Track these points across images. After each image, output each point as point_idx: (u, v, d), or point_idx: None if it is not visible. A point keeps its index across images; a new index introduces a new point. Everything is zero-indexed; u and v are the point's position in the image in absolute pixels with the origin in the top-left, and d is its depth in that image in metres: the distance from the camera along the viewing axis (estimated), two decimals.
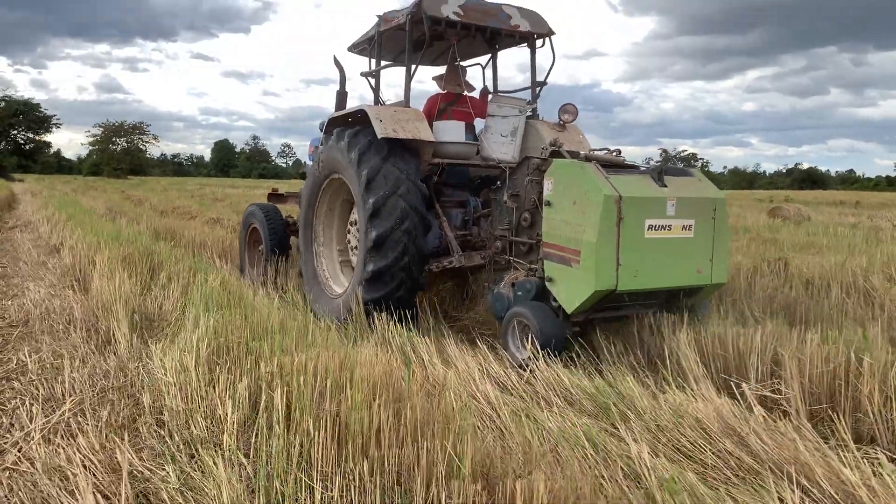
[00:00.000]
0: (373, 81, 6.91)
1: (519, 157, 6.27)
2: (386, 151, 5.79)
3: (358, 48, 7.34)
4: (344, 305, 5.95)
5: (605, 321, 5.13)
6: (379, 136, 5.72)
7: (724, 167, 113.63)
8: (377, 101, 6.82)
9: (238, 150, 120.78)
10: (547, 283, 4.89)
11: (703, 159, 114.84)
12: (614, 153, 5.37)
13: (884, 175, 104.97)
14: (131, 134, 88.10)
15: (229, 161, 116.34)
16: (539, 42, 6.73)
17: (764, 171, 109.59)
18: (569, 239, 4.70)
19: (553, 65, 6.77)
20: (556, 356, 4.55)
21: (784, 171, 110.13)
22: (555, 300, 4.85)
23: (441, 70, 7.11)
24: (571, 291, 4.69)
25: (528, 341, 4.74)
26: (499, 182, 5.87)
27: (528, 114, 6.78)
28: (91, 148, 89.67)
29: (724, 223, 5.07)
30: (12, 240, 11.43)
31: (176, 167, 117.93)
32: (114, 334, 4.85)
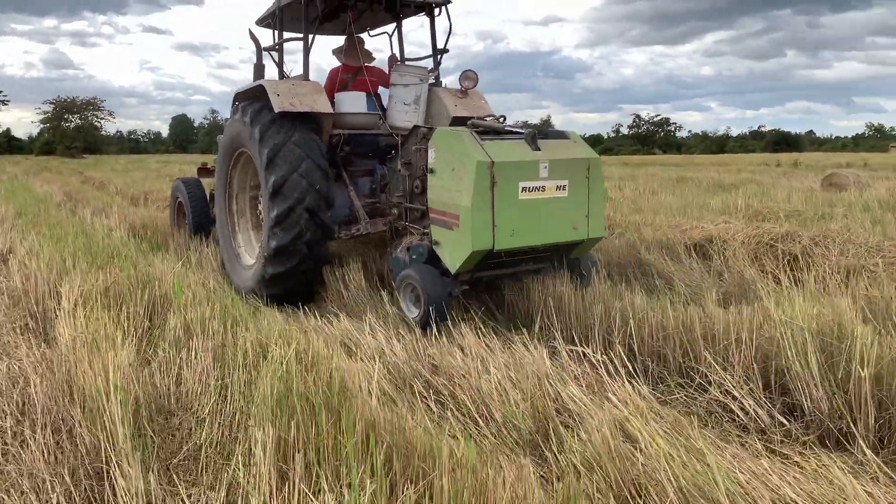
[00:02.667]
0: (276, 56, 7.08)
1: (423, 124, 6.55)
2: (288, 128, 5.98)
3: (263, 22, 7.49)
4: (254, 278, 6.24)
5: (497, 280, 5.52)
6: (276, 111, 5.92)
7: (689, 131, 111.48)
8: (281, 75, 7.01)
9: (196, 124, 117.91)
10: (434, 247, 5.24)
11: (675, 123, 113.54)
12: (499, 120, 5.69)
13: (844, 136, 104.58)
14: (84, 110, 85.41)
15: (188, 136, 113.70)
16: (437, 11, 6.95)
17: (729, 135, 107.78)
18: (449, 204, 5.04)
19: (450, 33, 7.02)
20: (440, 315, 4.94)
21: (747, 133, 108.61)
22: (442, 262, 5.22)
23: (341, 42, 7.31)
24: (454, 253, 5.05)
25: (416, 302, 5.12)
26: (393, 151, 6.16)
27: (431, 81, 7.05)
28: (42, 126, 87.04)
29: (599, 182, 5.44)
30: None
31: (132, 144, 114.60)
32: (108, 460, 2.76)
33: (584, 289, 5.30)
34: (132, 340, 4.10)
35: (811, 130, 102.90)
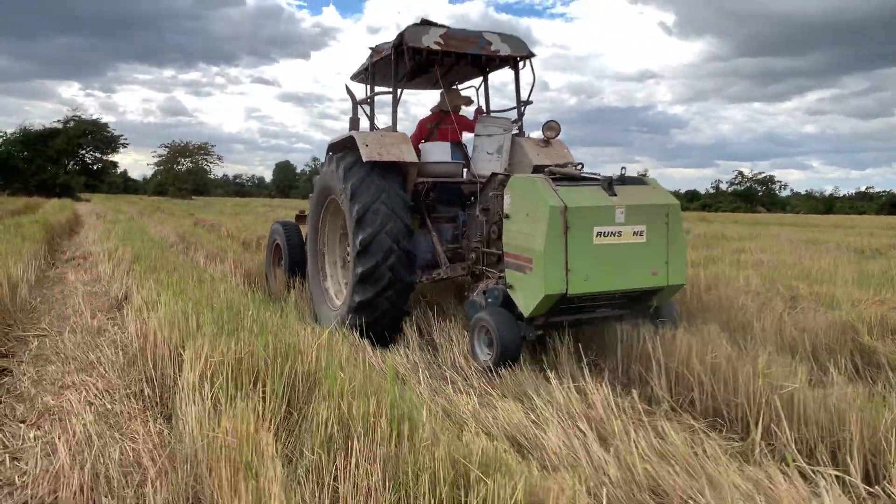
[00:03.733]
0: (368, 109, 7.48)
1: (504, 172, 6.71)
2: (377, 184, 6.22)
3: (358, 77, 7.96)
4: (338, 320, 6.48)
5: (572, 325, 5.49)
6: (364, 160, 6.24)
7: (791, 190, 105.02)
8: (372, 126, 7.38)
9: (298, 171, 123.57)
10: (508, 290, 5.30)
11: (780, 181, 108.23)
12: (577, 167, 5.75)
13: None
14: (196, 154, 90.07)
15: (290, 182, 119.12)
16: (521, 64, 7.17)
17: (836, 195, 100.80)
18: (523, 248, 5.11)
19: (534, 84, 7.19)
20: (512, 358, 4.97)
21: (853, 194, 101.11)
22: (517, 306, 5.27)
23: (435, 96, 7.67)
24: (527, 296, 5.09)
25: (489, 345, 5.18)
26: (473, 198, 6.32)
27: (515, 132, 7.23)
28: (156, 168, 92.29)
29: (679, 228, 5.37)
30: (65, 280, 9.29)
31: (237, 188, 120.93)
32: None
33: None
34: (270, 431, 3.11)
35: None
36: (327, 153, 7.46)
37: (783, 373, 4.05)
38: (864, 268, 9.37)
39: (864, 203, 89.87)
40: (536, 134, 7.28)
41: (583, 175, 5.52)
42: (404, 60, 6.64)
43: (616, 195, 5.20)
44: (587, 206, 5.01)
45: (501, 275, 5.64)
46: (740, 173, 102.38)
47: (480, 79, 7.84)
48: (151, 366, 4.54)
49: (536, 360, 5.16)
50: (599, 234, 5.04)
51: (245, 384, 3.66)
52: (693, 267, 8.16)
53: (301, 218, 9.95)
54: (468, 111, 7.90)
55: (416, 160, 6.46)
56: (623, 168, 5.43)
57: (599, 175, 5.50)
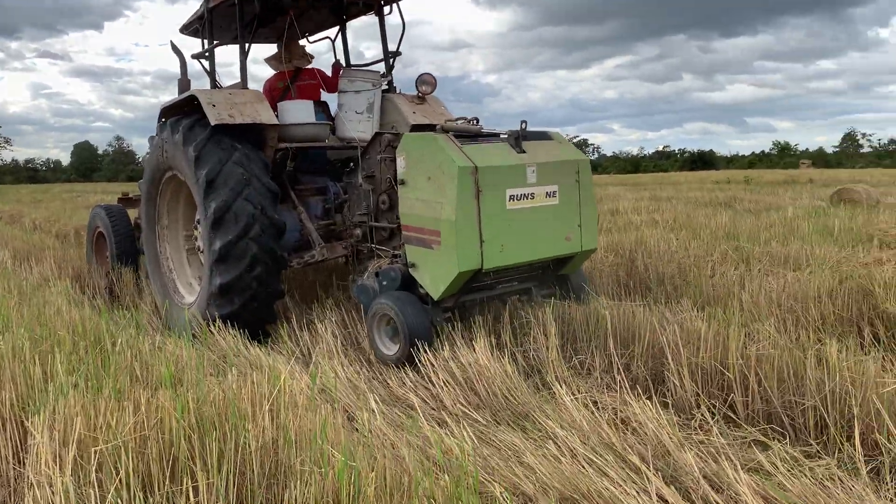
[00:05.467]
0: (206, 64, 6.18)
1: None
2: (227, 145, 5.12)
3: (190, 29, 6.58)
4: (195, 318, 5.27)
5: (481, 302, 4.76)
6: (212, 123, 5.05)
7: (598, 152, 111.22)
8: (213, 84, 6.11)
9: (101, 151, 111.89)
10: (410, 270, 4.43)
11: (593, 144, 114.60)
12: (472, 122, 4.97)
13: (741, 153, 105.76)
14: None
15: (92, 164, 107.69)
16: (387, 8, 6.23)
17: (642, 156, 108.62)
18: (427, 219, 4.25)
19: (404, 32, 6.28)
20: (425, 349, 4.12)
21: (654, 153, 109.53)
22: (421, 287, 4.42)
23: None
24: (436, 276, 4.26)
25: (393, 336, 4.30)
26: (352, 164, 5.35)
27: (384, 87, 6.29)
28: None
29: (589, 187, 4.78)
30: None
31: (31, 173, 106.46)
32: None
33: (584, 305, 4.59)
34: None
35: (711, 150, 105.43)
36: (159, 121, 6.10)
37: (854, 361, 3.32)
38: (761, 221, 9.38)
39: (665, 161, 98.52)
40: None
41: (482, 132, 4.75)
42: (253, 4, 5.46)
43: (525, 152, 4.49)
44: (498, 166, 4.25)
45: (397, 252, 4.75)
46: (524, 122, 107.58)
47: (336, 29, 6.77)
48: None
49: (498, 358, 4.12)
50: (512, 197, 4.31)
51: (159, 482, 2.24)
52: (600, 233, 7.55)
53: (127, 200, 8.40)
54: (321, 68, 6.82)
55: (275, 121, 5.34)
56: (523, 122, 4.73)
57: (500, 132, 4.75)
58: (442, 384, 3.83)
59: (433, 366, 3.96)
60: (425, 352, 4.04)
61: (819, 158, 74.33)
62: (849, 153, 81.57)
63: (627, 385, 3.73)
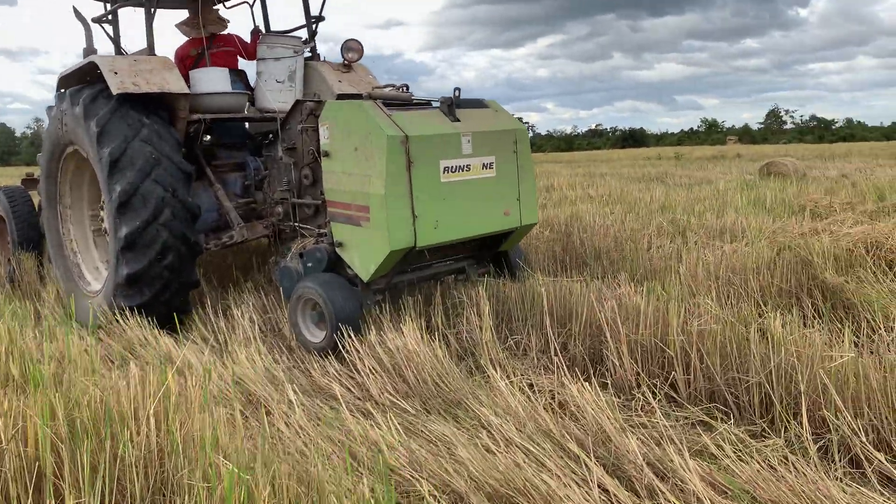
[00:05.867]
0: (109, 29, 5.64)
1: None
2: (134, 119, 4.65)
3: None
4: (100, 307, 4.83)
5: (414, 283, 4.49)
6: (114, 92, 4.58)
7: (533, 130, 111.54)
8: (118, 51, 5.58)
9: (19, 134, 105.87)
10: (337, 249, 4.12)
11: (527, 122, 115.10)
12: (401, 89, 4.66)
13: (670, 131, 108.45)
14: None
15: (10, 148, 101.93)
16: None
17: (575, 134, 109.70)
18: (354, 194, 3.94)
19: None
20: (353, 335, 3.83)
21: (587, 131, 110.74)
22: (349, 268, 4.11)
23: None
24: (365, 255, 3.96)
25: (319, 322, 3.99)
26: (271, 136, 4.97)
27: (307, 54, 5.90)
28: None
29: (528, 158, 4.55)
30: None
31: None
32: None
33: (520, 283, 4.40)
34: None
35: (642, 127, 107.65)
36: (57, 91, 5.54)
37: (799, 336, 3.18)
38: (694, 195, 9.35)
39: (598, 139, 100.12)
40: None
41: (413, 99, 4.45)
42: None
43: (459, 120, 4.21)
44: (431, 135, 3.96)
45: (323, 231, 4.43)
46: (457, 89, 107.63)
47: None
48: None
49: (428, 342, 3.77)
50: (447, 169, 4.03)
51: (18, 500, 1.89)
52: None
53: (31, 181, 7.78)
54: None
55: (186, 90, 4.90)
56: (457, 89, 4.45)
57: (432, 100, 4.46)
58: (368, 371, 3.56)
59: (359, 352, 3.68)
60: (351, 338, 3.75)
61: (745, 135, 76.85)
62: (773, 129, 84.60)
63: (565, 366, 3.54)
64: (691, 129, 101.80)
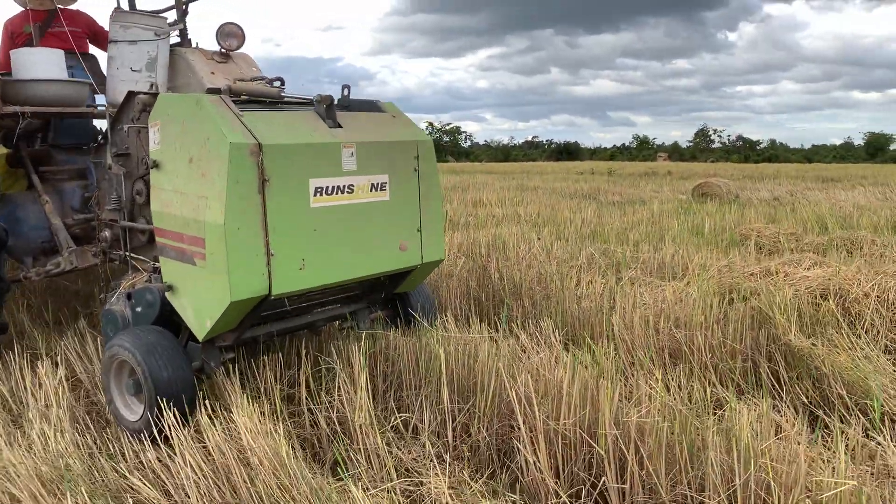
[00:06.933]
0: None
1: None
2: None
3: None
4: None
5: (281, 334, 3.48)
6: None
7: (471, 140, 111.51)
8: None
9: None
10: (167, 294, 3.08)
11: (465, 132, 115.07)
12: (273, 83, 3.67)
13: (604, 147, 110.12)
14: None
15: None
16: None
17: (512, 145, 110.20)
18: (186, 221, 2.91)
19: None
20: (181, 411, 2.81)
21: (523, 143, 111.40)
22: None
23: None
24: (199, 306, 2.94)
25: (137, 392, 2.94)
26: (100, 137, 3.89)
27: (175, 39, 4.82)
28: None
29: (433, 176, 3.62)
30: None
31: None
32: None
33: (417, 336, 3.48)
34: None
35: (577, 141, 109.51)
36: None
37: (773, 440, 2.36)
38: (628, 218, 8.59)
39: (534, 151, 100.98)
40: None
41: (284, 97, 3.46)
42: None
43: (340, 126, 3.25)
44: (297, 144, 2.98)
45: (158, 265, 3.38)
46: (430, 124, 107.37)
47: None
48: None
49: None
50: (319, 190, 3.06)
51: None
52: (457, 229, 6.40)
53: None
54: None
55: None
56: (346, 87, 3.49)
57: (310, 96, 3.47)
58: (189, 473, 2.54)
59: (182, 442, 2.66)
60: (176, 419, 2.72)
61: (674, 152, 78.79)
62: (701, 147, 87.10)
63: (465, 456, 2.64)
64: (623, 144, 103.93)
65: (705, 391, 2.87)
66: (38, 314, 4.54)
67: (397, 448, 2.87)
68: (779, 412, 3.03)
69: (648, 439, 2.53)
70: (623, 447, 2.54)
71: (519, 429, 2.70)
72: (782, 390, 3.37)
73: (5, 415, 3.28)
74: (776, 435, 2.70)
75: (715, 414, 2.85)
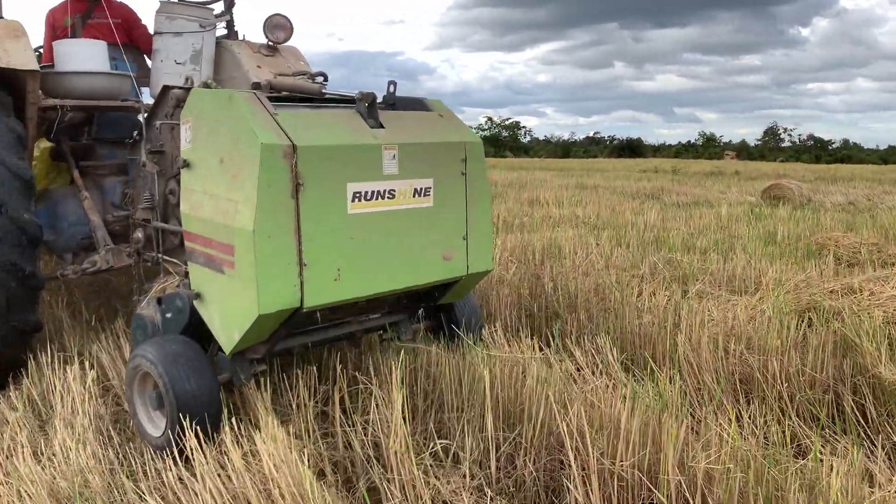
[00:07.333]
0: None
1: None
2: None
3: None
4: None
5: (316, 346, 3.28)
6: None
7: (531, 136, 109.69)
8: None
9: None
10: (195, 303, 2.90)
11: (525, 127, 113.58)
12: (315, 79, 3.46)
13: (669, 143, 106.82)
14: None
15: None
16: None
17: (573, 141, 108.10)
18: (216, 225, 2.72)
19: None
20: (205, 428, 2.63)
21: (584, 139, 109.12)
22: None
23: None
24: (227, 317, 2.74)
25: (160, 406, 2.78)
26: (136, 133, 3.75)
27: (221, 31, 4.68)
28: None
29: (482, 180, 3.36)
30: None
31: None
32: None
33: (461, 352, 3.23)
34: None
35: (640, 138, 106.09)
36: None
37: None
38: (694, 223, 8.11)
39: (595, 147, 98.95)
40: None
41: (326, 94, 3.25)
42: None
43: (383, 127, 3.01)
44: (335, 146, 2.75)
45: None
46: (489, 119, 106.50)
47: None
48: None
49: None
50: (358, 195, 2.82)
51: None
52: (510, 231, 6.03)
53: None
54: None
55: (35, 66, 3.66)
56: (392, 83, 3.25)
57: (352, 93, 3.24)
58: (208, 499, 2.35)
59: (203, 464, 2.47)
60: (198, 437, 2.54)
61: (743, 150, 76.12)
62: (770, 146, 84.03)
63: (510, 489, 2.37)
64: (689, 141, 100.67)
65: (784, 433, 2.52)
66: (77, 311, 4.47)
67: (434, 477, 2.63)
68: (868, 456, 2.67)
69: (718, 488, 2.21)
70: (688, 495, 2.23)
71: (570, 465, 2.42)
72: (869, 428, 2.99)
73: (33, 420, 3.17)
74: (869, 486, 2.35)
75: (796, 458, 2.50)
